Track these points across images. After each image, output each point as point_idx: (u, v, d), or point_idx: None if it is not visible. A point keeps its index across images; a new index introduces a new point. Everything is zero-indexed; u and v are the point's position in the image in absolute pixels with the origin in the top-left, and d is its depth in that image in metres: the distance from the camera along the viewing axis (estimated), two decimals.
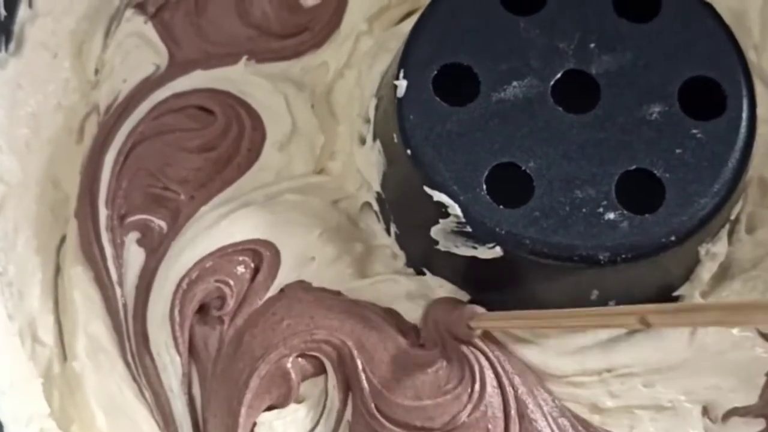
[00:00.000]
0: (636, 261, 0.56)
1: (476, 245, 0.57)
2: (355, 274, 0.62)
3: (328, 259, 0.62)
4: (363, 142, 0.63)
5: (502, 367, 0.59)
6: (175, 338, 0.60)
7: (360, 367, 0.58)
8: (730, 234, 0.62)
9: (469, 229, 0.57)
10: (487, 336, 0.59)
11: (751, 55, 0.65)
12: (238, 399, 0.58)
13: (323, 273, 0.62)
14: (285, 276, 0.62)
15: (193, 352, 0.61)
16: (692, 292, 0.61)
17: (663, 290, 0.61)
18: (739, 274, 0.62)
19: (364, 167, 0.62)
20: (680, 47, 0.59)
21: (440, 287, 0.61)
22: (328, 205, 0.63)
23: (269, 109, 0.65)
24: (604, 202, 0.56)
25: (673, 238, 0.56)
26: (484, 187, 0.57)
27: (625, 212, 0.56)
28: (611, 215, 0.56)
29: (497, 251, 0.56)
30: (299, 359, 0.59)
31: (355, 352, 0.59)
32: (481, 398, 0.58)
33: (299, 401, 0.60)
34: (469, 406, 0.58)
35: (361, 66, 0.65)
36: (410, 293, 0.61)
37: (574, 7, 0.59)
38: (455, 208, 0.56)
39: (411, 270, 0.63)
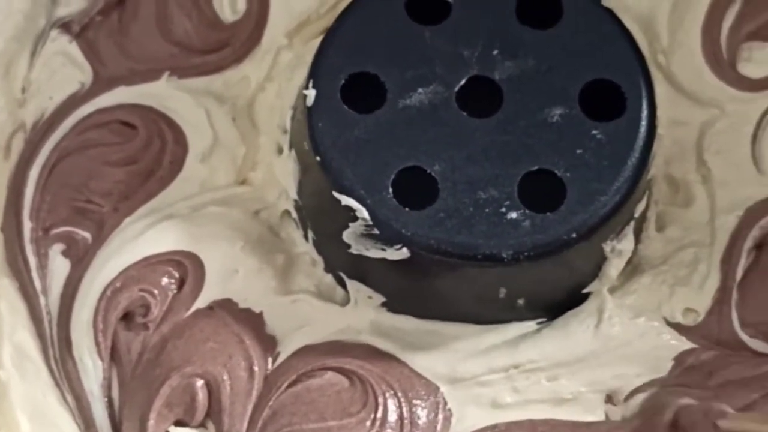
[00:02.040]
0: (539, 258, 0.58)
1: (385, 247, 0.59)
2: (278, 287, 0.64)
3: (252, 272, 0.64)
4: (281, 151, 0.65)
5: (405, 396, 0.60)
6: (97, 343, 0.62)
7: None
8: (639, 232, 0.64)
9: (376, 231, 0.58)
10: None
11: (660, 59, 0.68)
12: (148, 404, 0.60)
13: (248, 287, 0.63)
14: (211, 288, 0.63)
15: (115, 356, 0.62)
16: (601, 288, 0.62)
17: (572, 287, 0.63)
18: (649, 269, 0.64)
19: (281, 176, 0.64)
20: (581, 52, 0.61)
21: (357, 291, 0.63)
22: (249, 216, 0.65)
23: (191, 123, 0.66)
24: (507, 202, 0.58)
25: (574, 236, 0.58)
26: (391, 190, 0.58)
27: (527, 211, 0.58)
28: (514, 215, 0.58)
29: (404, 252, 0.58)
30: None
31: None
32: (383, 425, 0.60)
33: (205, 426, 0.61)
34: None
35: (281, 79, 0.67)
36: (321, 319, 0.63)
37: (478, 16, 0.61)
38: (363, 212, 0.58)
39: (330, 278, 0.64)
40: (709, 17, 0.67)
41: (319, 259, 0.65)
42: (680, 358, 0.61)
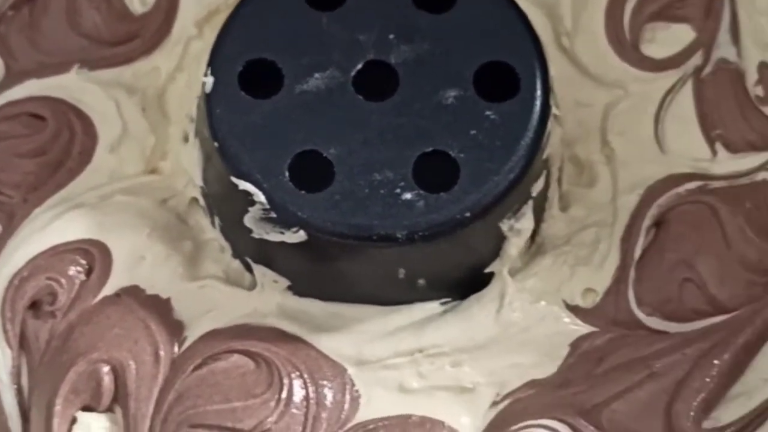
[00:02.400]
0: (434, 238, 0.59)
1: (283, 230, 0.59)
2: (186, 273, 0.65)
3: (159, 259, 0.64)
4: (187, 140, 0.66)
5: (311, 377, 0.61)
6: (5, 332, 0.63)
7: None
8: (541, 211, 0.65)
9: (274, 215, 0.59)
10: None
11: (564, 42, 0.69)
12: (54, 390, 0.61)
13: (155, 274, 0.64)
14: (118, 276, 0.64)
15: (24, 345, 0.63)
16: (501, 269, 0.63)
17: (473, 267, 0.63)
18: (552, 250, 0.65)
19: (187, 164, 0.65)
20: (476, 35, 0.62)
21: (263, 275, 0.64)
22: (157, 204, 0.66)
23: (100, 114, 0.67)
24: (402, 184, 0.59)
25: (468, 215, 0.59)
26: (287, 174, 0.59)
27: (422, 192, 0.59)
28: (408, 195, 0.59)
29: (302, 235, 0.59)
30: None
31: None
32: (288, 405, 0.60)
33: (113, 410, 0.62)
34: (276, 413, 0.60)
35: (191, 69, 0.68)
36: (228, 304, 0.64)
37: (375, 2, 0.62)
38: (260, 196, 0.59)
39: (238, 263, 0.65)
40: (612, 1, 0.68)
41: (227, 245, 0.65)
42: (576, 344, 0.62)
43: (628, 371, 0.60)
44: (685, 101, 0.66)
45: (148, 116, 0.68)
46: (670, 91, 0.67)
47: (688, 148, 0.66)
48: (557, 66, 0.67)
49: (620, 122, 0.67)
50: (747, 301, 0.61)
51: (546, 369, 0.62)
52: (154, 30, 0.69)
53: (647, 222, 0.63)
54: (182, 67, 0.69)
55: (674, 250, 0.62)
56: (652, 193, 0.64)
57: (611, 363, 0.61)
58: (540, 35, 0.65)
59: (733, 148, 0.65)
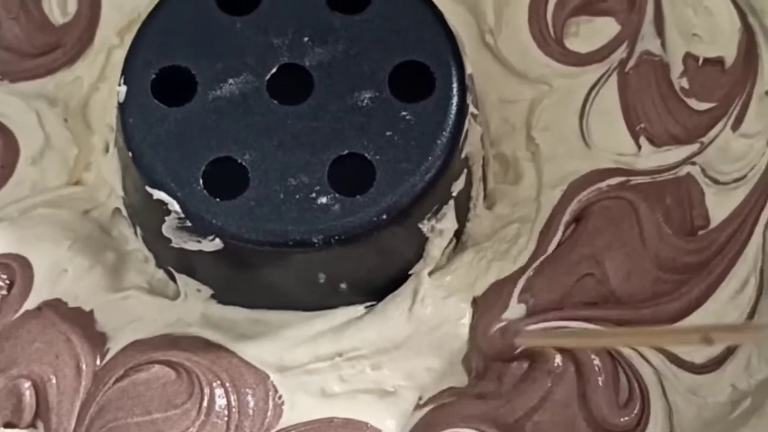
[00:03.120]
0: (351, 242, 0.58)
1: (199, 239, 0.59)
2: (109, 285, 0.64)
3: (81, 271, 0.64)
4: (108, 150, 0.65)
5: (233, 385, 0.61)
6: None
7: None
8: (466, 210, 0.64)
9: (189, 223, 0.59)
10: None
11: (488, 39, 0.68)
12: None
13: (77, 286, 0.64)
14: (40, 289, 0.63)
15: None
16: (425, 269, 0.62)
17: (395, 269, 0.63)
18: (473, 245, 0.64)
19: (108, 174, 0.65)
20: (390, 34, 0.61)
21: (186, 284, 0.63)
22: (79, 215, 0.65)
23: (22, 127, 0.67)
24: (317, 188, 0.58)
25: (384, 217, 0.58)
26: (201, 182, 0.59)
27: (338, 195, 0.58)
28: (324, 199, 0.58)
29: (218, 243, 0.58)
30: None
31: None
32: (209, 415, 0.60)
33: (35, 426, 0.61)
34: (198, 423, 0.60)
35: (114, 78, 0.67)
36: (152, 314, 0.63)
37: (289, 5, 0.62)
38: (174, 205, 0.58)
39: (162, 273, 0.65)
40: None
41: (150, 256, 0.65)
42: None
43: (533, 382, 0.60)
44: (610, 95, 0.66)
45: (71, 127, 0.67)
46: (595, 86, 0.66)
47: (613, 142, 0.65)
48: (481, 63, 0.67)
49: (545, 118, 0.66)
50: (651, 297, 0.61)
51: (459, 378, 0.61)
52: (75, 40, 0.69)
53: (567, 217, 0.63)
54: (105, 77, 0.68)
55: (587, 245, 0.62)
56: (574, 188, 0.64)
57: (515, 374, 0.60)
58: (463, 33, 0.66)
59: (657, 142, 0.65)
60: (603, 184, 0.63)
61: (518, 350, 0.60)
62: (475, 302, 0.62)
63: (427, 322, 0.62)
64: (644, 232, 0.62)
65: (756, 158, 0.64)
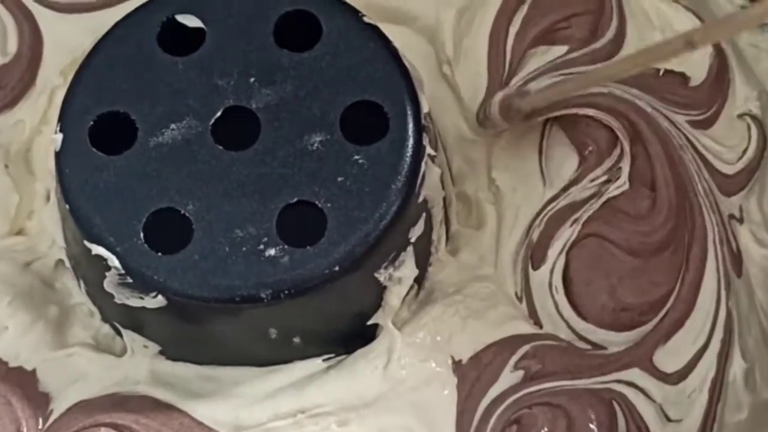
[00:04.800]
0: (302, 295, 0.55)
1: (142, 296, 0.56)
2: (53, 341, 0.61)
3: (22, 327, 0.60)
4: (49, 198, 0.62)
5: None
6: None
7: None
8: (427, 255, 0.61)
9: (130, 280, 0.55)
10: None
11: (445, 70, 0.65)
12: None
13: (18, 344, 0.60)
14: None
15: None
16: (385, 320, 0.59)
17: (353, 320, 0.59)
18: (442, 298, 0.61)
19: (49, 223, 0.61)
20: (342, 73, 0.58)
21: (132, 340, 0.60)
22: (20, 268, 0.62)
23: None
24: (265, 239, 0.55)
25: (336, 269, 0.55)
26: (142, 235, 0.55)
27: (287, 247, 0.55)
28: (272, 251, 0.55)
29: (161, 300, 0.55)
30: None
31: None
32: None
33: None
34: None
35: (56, 120, 0.64)
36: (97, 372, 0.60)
37: (234, 43, 0.58)
38: (114, 260, 0.55)
39: (108, 328, 0.61)
40: (497, 23, 0.64)
41: (95, 309, 0.62)
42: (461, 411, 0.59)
43: None
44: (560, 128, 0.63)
45: (12, 173, 0.64)
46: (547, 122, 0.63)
47: (566, 174, 0.62)
48: (440, 97, 0.64)
49: (504, 156, 0.63)
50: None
51: None
52: (16, 81, 0.65)
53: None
54: (47, 120, 0.65)
55: None
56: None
57: None
58: (422, 66, 0.63)
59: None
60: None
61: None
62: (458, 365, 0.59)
63: (405, 383, 0.58)
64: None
65: None
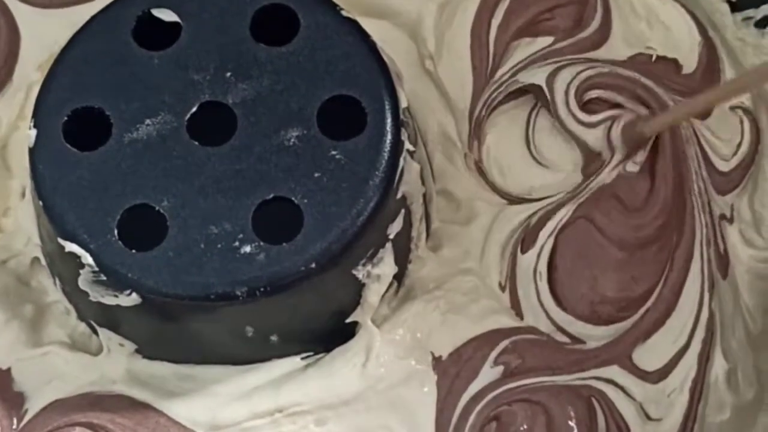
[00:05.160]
0: (278, 293, 0.54)
1: (116, 293, 0.55)
2: (28, 340, 0.60)
3: None
4: (25, 195, 0.61)
5: None
6: None
7: None
8: (406, 252, 0.60)
9: (104, 277, 0.54)
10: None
11: (428, 65, 0.64)
12: None
13: None
14: None
15: None
16: (364, 318, 0.58)
17: (331, 318, 0.59)
18: (422, 295, 0.60)
19: (24, 221, 0.60)
20: (319, 67, 0.57)
21: (108, 339, 0.59)
22: None
23: None
24: (241, 236, 0.54)
25: (313, 266, 0.54)
26: (116, 232, 0.54)
27: (262, 244, 0.54)
28: (247, 248, 0.54)
29: (135, 298, 0.54)
30: None
31: None
32: None
33: None
34: None
35: None
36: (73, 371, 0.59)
37: (210, 37, 0.57)
38: (87, 258, 0.54)
39: (84, 326, 0.61)
40: (479, 16, 0.63)
41: (71, 308, 0.61)
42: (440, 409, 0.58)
43: None
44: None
45: None
46: (534, 108, 0.62)
47: (560, 161, 0.61)
48: (422, 92, 0.63)
49: (492, 152, 0.62)
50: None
51: None
52: None
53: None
54: (24, 116, 0.64)
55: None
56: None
57: None
58: (402, 60, 0.62)
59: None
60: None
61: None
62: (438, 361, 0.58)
63: (383, 381, 0.58)
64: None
65: None
